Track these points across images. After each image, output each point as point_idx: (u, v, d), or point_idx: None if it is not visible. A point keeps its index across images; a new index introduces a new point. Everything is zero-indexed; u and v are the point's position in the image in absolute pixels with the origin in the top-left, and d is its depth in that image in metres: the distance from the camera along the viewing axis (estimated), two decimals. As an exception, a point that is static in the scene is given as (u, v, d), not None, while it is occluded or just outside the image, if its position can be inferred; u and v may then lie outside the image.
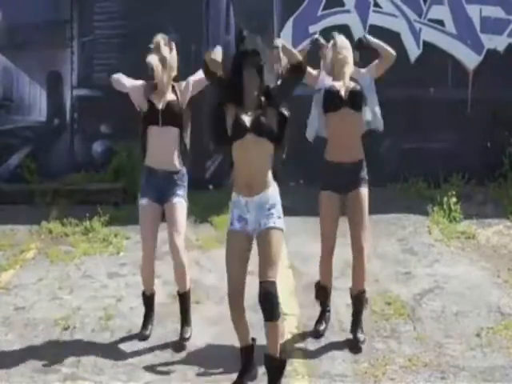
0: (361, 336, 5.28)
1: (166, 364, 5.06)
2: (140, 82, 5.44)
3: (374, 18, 9.58)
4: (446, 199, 8.35)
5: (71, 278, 6.67)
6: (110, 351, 5.25)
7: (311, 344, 5.35)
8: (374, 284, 6.46)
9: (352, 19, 9.57)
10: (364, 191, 5.29)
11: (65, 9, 9.63)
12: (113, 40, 9.70)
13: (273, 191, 4.50)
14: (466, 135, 9.70)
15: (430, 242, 7.67)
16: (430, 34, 9.66)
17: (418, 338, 5.41)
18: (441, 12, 9.66)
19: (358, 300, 5.34)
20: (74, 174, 9.41)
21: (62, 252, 7.32)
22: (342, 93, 5.25)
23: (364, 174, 5.32)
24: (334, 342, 5.38)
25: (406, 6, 9.63)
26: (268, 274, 4.34)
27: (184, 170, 5.38)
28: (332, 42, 5.39)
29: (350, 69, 5.31)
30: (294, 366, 5.01)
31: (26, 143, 9.75)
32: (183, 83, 5.44)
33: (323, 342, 5.37)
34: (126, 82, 5.47)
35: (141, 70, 9.29)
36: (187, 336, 5.29)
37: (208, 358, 5.11)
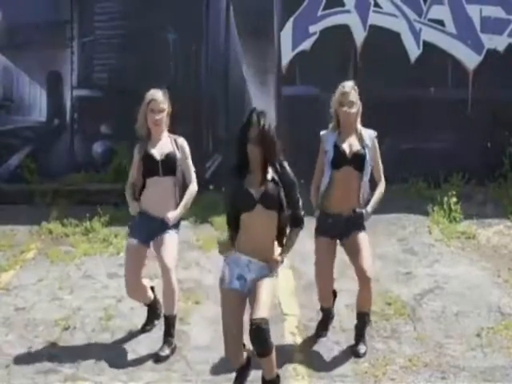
0: (361, 348, 5.22)
1: (167, 363, 5.06)
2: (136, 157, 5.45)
3: (374, 18, 9.58)
4: (446, 199, 8.35)
5: (71, 279, 6.67)
6: (111, 351, 5.26)
7: (311, 344, 5.35)
8: (375, 284, 6.42)
9: (352, 19, 9.57)
10: (362, 234, 5.27)
11: (65, 9, 9.62)
12: (113, 40, 9.69)
13: (275, 263, 4.46)
14: (466, 135, 9.69)
15: (431, 242, 7.67)
16: (430, 34, 9.65)
17: (418, 338, 5.41)
18: (441, 12, 9.65)
19: (361, 319, 5.31)
20: (74, 175, 9.40)
21: (62, 252, 7.32)
22: (347, 152, 5.26)
23: (362, 221, 5.29)
24: (334, 342, 5.38)
25: (406, 6, 9.62)
26: (258, 312, 4.28)
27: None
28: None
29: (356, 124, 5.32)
30: (295, 366, 5.02)
31: (26, 143, 9.74)
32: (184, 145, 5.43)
33: (323, 342, 5.38)
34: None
35: (140, 70, 9.36)
36: (163, 354, 5.15)
37: (208, 358, 5.11)
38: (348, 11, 9.58)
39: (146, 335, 5.47)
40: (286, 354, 5.17)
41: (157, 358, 5.13)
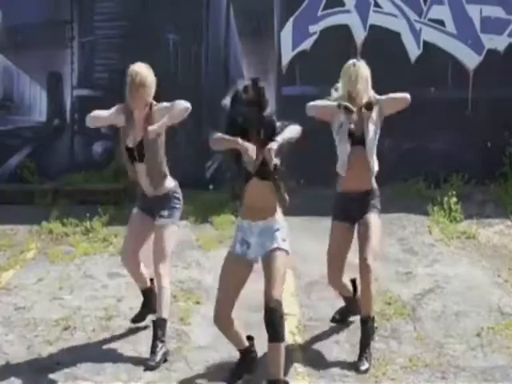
0: (363, 364, 5.00)
1: (167, 364, 5.06)
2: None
3: (375, 18, 9.58)
4: (446, 199, 8.35)
5: (71, 278, 6.67)
6: (111, 351, 5.25)
7: (311, 344, 5.35)
8: (374, 284, 6.44)
9: (352, 19, 9.57)
10: (374, 216, 5.36)
11: (65, 9, 9.62)
12: (113, 40, 9.69)
13: (277, 217, 4.55)
14: (467, 135, 9.69)
15: (431, 241, 7.67)
16: (430, 34, 9.65)
17: (418, 338, 5.41)
18: (441, 12, 9.65)
19: (365, 325, 5.13)
20: (75, 174, 9.40)
21: (62, 252, 7.32)
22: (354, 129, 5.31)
23: (375, 202, 5.42)
24: (334, 341, 5.38)
25: (407, 6, 9.62)
26: (273, 293, 4.36)
27: (176, 188, 5.38)
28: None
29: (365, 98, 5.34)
30: (295, 366, 5.01)
31: (26, 143, 9.74)
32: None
33: (323, 342, 5.37)
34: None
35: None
36: (152, 364, 5.00)
37: (208, 358, 5.11)
38: (348, 11, 9.58)
39: (146, 335, 5.46)
40: (286, 354, 5.16)
41: (146, 367, 4.99)
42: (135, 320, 5.58)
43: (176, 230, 5.36)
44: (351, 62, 5.28)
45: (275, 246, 4.48)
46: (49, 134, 9.73)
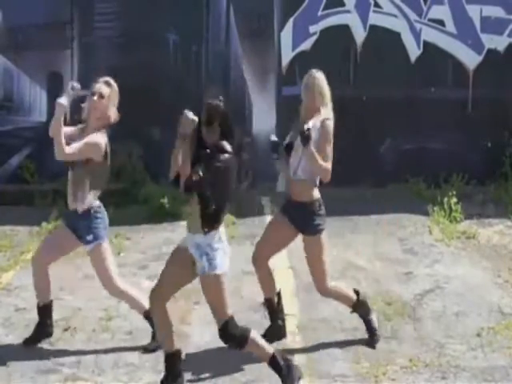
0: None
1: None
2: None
3: (375, 18, 9.59)
4: (446, 199, 8.35)
5: (72, 279, 6.66)
6: (111, 352, 5.25)
7: (311, 344, 5.34)
8: (375, 284, 6.46)
9: (352, 19, 9.58)
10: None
11: (65, 10, 9.63)
12: (113, 41, 9.70)
13: (205, 236, 4.43)
14: (467, 135, 9.70)
15: (431, 242, 7.67)
16: (430, 34, 9.66)
17: (418, 338, 5.41)
18: (441, 12, 9.67)
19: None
20: (75, 175, 9.39)
21: (62, 253, 7.31)
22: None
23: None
24: (334, 342, 5.37)
25: (407, 6, 9.63)
26: (217, 319, 4.45)
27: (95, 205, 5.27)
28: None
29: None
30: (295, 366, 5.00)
31: (26, 144, 9.74)
32: None
33: (323, 342, 5.37)
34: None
35: (141, 71, 9.36)
36: (151, 347, 5.24)
37: (208, 358, 5.11)
38: (348, 11, 9.60)
39: (146, 335, 5.45)
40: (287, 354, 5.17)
41: (144, 350, 5.22)
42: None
43: (102, 247, 5.24)
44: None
45: (201, 271, 4.45)
46: (49, 134, 9.72)
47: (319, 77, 5.26)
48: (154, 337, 5.21)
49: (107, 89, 5.25)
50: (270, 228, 5.33)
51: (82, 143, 5.12)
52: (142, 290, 5.65)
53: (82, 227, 5.15)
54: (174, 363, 4.65)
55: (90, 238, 5.15)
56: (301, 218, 5.15)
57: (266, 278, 5.31)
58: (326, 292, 5.23)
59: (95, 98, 5.18)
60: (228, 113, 4.38)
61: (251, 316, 5.66)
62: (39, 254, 5.32)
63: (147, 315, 5.19)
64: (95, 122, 5.24)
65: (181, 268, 4.55)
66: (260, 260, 5.28)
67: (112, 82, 5.29)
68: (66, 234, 5.23)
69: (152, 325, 5.14)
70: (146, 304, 4.97)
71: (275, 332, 5.33)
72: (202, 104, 4.35)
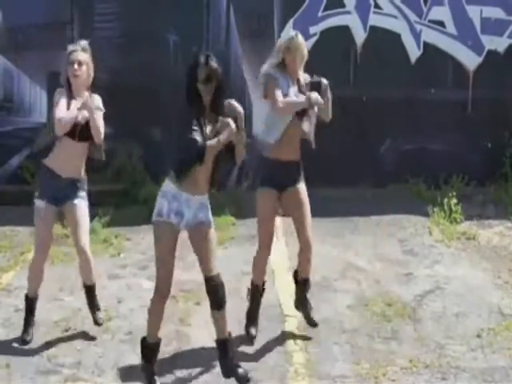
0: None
1: (167, 365, 5.06)
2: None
3: (375, 19, 9.58)
4: (446, 200, 8.35)
5: (72, 280, 6.66)
6: (111, 352, 5.25)
7: (312, 345, 5.35)
8: (375, 285, 6.46)
9: (352, 20, 9.58)
10: (303, 186, 5.35)
11: (65, 10, 9.62)
12: (113, 41, 9.69)
13: (207, 194, 4.76)
14: (467, 136, 9.70)
15: (431, 243, 7.67)
16: (430, 35, 9.66)
17: (418, 339, 5.41)
18: (441, 13, 9.66)
19: (304, 285, 5.49)
20: (75, 176, 9.39)
21: (62, 253, 7.31)
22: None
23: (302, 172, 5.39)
24: (334, 342, 5.38)
25: (407, 7, 9.63)
26: (212, 267, 4.66)
27: (85, 177, 5.47)
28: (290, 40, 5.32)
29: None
30: (295, 367, 5.02)
31: (26, 144, 9.73)
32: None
33: (324, 343, 5.37)
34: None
35: (141, 71, 9.36)
36: (101, 321, 5.58)
37: (208, 359, 5.11)
38: (348, 12, 9.59)
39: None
40: (286, 355, 5.17)
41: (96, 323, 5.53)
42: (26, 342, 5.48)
43: (87, 206, 5.48)
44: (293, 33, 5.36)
45: (209, 220, 4.71)
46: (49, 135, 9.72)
47: (303, 42, 5.36)
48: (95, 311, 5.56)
49: (85, 55, 5.34)
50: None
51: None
52: (142, 292, 5.66)
53: (73, 190, 5.34)
54: (153, 353, 4.74)
55: (82, 193, 5.38)
56: (296, 174, 5.28)
57: None
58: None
59: (75, 66, 5.24)
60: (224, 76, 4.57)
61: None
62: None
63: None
64: (80, 89, 5.31)
65: (173, 244, 4.62)
66: None
67: (87, 45, 5.40)
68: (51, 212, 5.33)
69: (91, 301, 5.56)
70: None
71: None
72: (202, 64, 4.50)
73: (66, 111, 5.17)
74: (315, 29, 9.51)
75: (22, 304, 6.06)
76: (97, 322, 5.57)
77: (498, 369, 4.96)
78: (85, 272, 5.54)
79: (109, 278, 6.68)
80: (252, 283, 5.49)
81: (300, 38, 5.33)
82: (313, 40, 9.50)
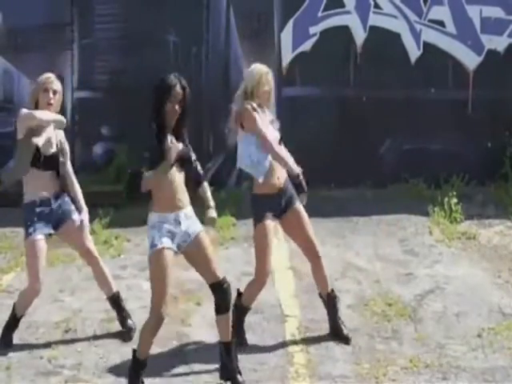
0: (345, 330, 5.42)
1: (167, 365, 5.06)
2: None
3: (375, 19, 9.59)
4: (446, 200, 8.35)
5: (72, 281, 6.67)
6: (112, 354, 5.25)
7: (312, 345, 5.34)
8: (375, 285, 6.46)
9: (352, 20, 9.58)
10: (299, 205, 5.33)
11: (65, 11, 9.63)
12: (113, 42, 9.70)
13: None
14: (467, 136, 9.70)
15: (431, 242, 7.67)
16: (430, 35, 9.66)
17: (419, 339, 5.41)
18: (441, 13, 9.66)
19: (331, 302, 5.42)
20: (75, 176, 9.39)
21: (62, 254, 7.31)
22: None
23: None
24: (334, 343, 5.37)
25: (407, 7, 9.63)
26: (218, 272, 4.68)
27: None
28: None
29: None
30: (296, 367, 5.01)
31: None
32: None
33: (324, 343, 5.37)
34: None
35: (141, 72, 9.37)
36: (133, 327, 5.50)
37: (209, 360, 5.10)
38: (348, 12, 9.59)
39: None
40: (287, 356, 5.17)
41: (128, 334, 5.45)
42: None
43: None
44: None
45: (199, 226, 4.69)
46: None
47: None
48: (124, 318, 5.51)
49: (59, 84, 5.42)
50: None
51: None
52: (142, 293, 5.67)
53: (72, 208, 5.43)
54: (141, 369, 4.65)
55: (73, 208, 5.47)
56: (288, 196, 5.29)
57: None
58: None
59: (51, 95, 5.32)
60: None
61: (251, 318, 5.66)
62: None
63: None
64: None
65: (172, 267, 4.61)
66: None
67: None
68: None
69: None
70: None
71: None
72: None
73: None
74: (315, 29, 9.52)
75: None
76: (130, 329, 5.47)
77: (499, 368, 4.95)
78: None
79: (109, 279, 6.67)
80: (242, 305, 5.41)
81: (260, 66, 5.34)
82: (313, 40, 9.51)
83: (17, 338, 5.44)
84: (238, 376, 4.75)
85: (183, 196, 4.61)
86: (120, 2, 9.65)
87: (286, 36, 9.54)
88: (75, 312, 5.94)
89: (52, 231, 5.36)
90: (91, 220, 7.92)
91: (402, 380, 4.85)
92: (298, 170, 5.20)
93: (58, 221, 5.36)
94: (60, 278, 6.73)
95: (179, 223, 4.57)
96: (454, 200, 8.32)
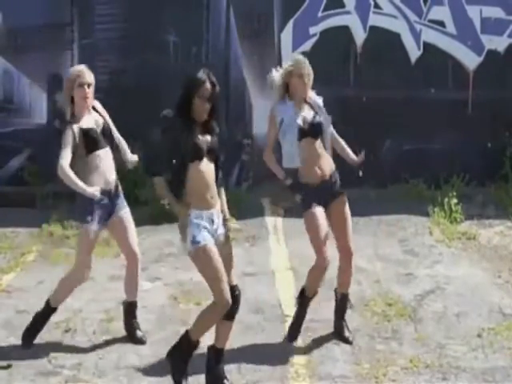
0: (349, 333, 5.43)
1: (167, 366, 5.05)
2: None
3: (375, 19, 9.59)
4: (446, 200, 8.35)
5: (72, 281, 6.66)
6: (111, 354, 5.25)
7: (312, 346, 5.34)
8: (375, 285, 6.46)
9: (352, 20, 9.58)
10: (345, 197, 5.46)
11: (65, 11, 9.63)
12: (113, 42, 9.70)
13: None
14: (467, 136, 9.69)
15: (431, 242, 7.67)
16: (430, 35, 9.66)
17: (419, 339, 5.41)
18: (441, 13, 9.66)
19: (343, 302, 5.47)
20: (75, 177, 9.39)
21: (62, 254, 7.32)
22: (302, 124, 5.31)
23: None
24: (334, 343, 5.37)
25: (407, 7, 9.63)
26: (234, 278, 4.67)
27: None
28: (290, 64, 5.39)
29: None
30: (296, 367, 5.01)
31: (26, 146, 9.74)
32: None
33: (324, 343, 5.37)
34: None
35: (141, 72, 9.37)
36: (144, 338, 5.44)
37: (209, 360, 5.10)
38: (348, 12, 9.59)
39: (147, 335, 5.46)
40: (287, 356, 5.17)
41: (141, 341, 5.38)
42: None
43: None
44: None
45: (225, 230, 4.67)
46: (50, 136, 9.72)
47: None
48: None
49: (92, 75, 5.34)
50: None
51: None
52: (142, 293, 5.66)
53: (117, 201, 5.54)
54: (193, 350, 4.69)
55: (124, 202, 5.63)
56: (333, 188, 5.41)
57: None
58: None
59: (86, 89, 5.26)
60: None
61: (252, 318, 5.66)
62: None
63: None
64: (85, 111, 5.35)
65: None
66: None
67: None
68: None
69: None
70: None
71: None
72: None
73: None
74: (315, 29, 9.52)
75: (22, 305, 6.08)
76: (140, 341, 5.40)
77: (499, 369, 4.95)
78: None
79: (109, 279, 6.68)
80: (306, 297, 5.49)
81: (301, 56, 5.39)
82: (313, 40, 9.51)
83: (17, 338, 5.44)
84: (226, 381, 4.71)
85: (214, 192, 4.60)
86: (120, 2, 9.65)
87: (286, 36, 9.54)
88: (75, 312, 5.93)
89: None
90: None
91: (402, 380, 4.85)
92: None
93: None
94: (60, 277, 6.71)
95: (212, 221, 4.55)
96: (454, 200, 8.33)
